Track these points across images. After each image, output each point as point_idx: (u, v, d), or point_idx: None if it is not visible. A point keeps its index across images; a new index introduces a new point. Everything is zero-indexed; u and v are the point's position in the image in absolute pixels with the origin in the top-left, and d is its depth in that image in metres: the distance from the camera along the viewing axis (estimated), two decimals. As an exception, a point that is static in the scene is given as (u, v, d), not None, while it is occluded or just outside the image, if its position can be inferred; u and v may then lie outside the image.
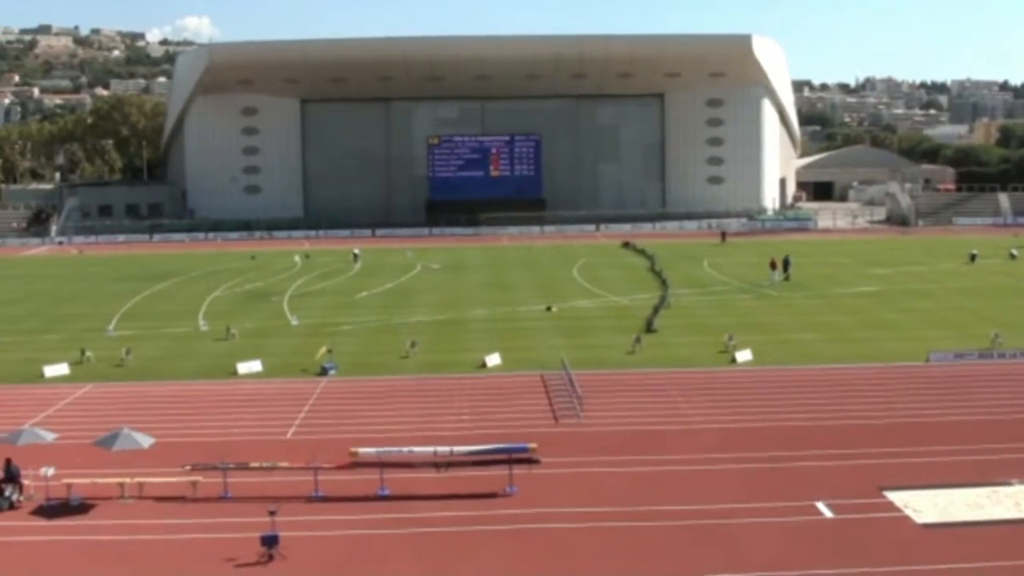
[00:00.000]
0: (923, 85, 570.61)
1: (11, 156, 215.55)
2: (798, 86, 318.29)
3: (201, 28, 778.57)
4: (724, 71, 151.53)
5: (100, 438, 37.59)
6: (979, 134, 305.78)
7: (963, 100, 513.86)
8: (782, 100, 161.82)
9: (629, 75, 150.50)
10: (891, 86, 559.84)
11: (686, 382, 51.62)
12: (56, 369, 56.74)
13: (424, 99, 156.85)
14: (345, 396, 50.60)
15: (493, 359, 56.62)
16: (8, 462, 36.02)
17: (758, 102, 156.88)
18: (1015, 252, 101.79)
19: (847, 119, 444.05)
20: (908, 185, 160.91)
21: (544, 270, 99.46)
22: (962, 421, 43.92)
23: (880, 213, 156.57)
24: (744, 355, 56.30)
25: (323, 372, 55.15)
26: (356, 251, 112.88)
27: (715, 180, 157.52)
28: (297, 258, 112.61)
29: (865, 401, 47.35)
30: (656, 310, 70.27)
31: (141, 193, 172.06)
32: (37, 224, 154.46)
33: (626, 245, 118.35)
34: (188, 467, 36.77)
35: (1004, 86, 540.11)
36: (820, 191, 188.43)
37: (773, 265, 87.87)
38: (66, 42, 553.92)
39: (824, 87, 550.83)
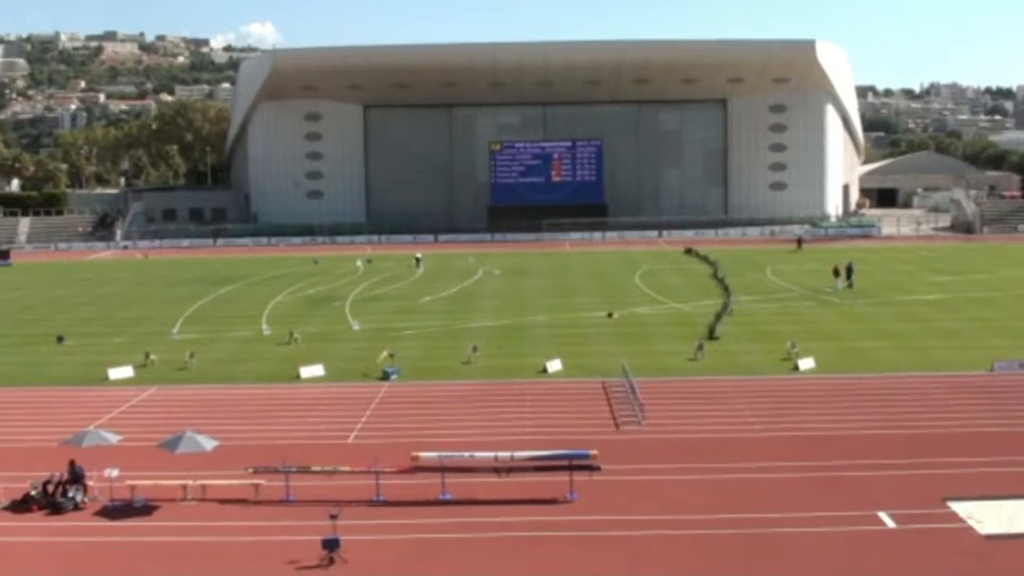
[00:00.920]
0: (988, 91, 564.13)
1: (77, 161, 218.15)
2: (862, 92, 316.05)
3: (265, 34, 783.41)
4: (787, 76, 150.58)
5: (164, 440, 37.90)
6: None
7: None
8: (846, 106, 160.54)
9: (692, 80, 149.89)
10: (956, 91, 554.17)
11: (748, 390, 51.30)
12: (120, 372, 57.29)
13: (486, 105, 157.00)
14: (407, 400, 50.69)
15: (554, 365, 56.54)
16: (72, 463, 36.43)
17: (821, 108, 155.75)
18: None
19: (911, 125, 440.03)
20: (973, 192, 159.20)
21: (606, 276, 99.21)
22: (1028, 431, 43.38)
23: (944, 220, 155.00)
24: (807, 363, 55.86)
25: (385, 376, 55.31)
26: (418, 255, 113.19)
27: (778, 186, 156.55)
28: (359, 263, 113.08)
29: (928, 410, 46.86)
30: (718, 317, 69.90)
31: (205, 198, 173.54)
32: (102, 228, 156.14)
33: (688, 251, 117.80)
34: (250, 470, 36.99)
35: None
36: (884, 198, 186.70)
37: (836, 272, 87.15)
38: (131, 48, 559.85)
39: (888, 93, 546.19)
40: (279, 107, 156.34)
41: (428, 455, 37.13)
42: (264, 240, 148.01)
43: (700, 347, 59.65)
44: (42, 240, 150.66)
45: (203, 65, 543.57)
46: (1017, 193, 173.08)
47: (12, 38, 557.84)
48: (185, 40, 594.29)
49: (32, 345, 68.27)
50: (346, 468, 37.24)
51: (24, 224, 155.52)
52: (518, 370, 56.90)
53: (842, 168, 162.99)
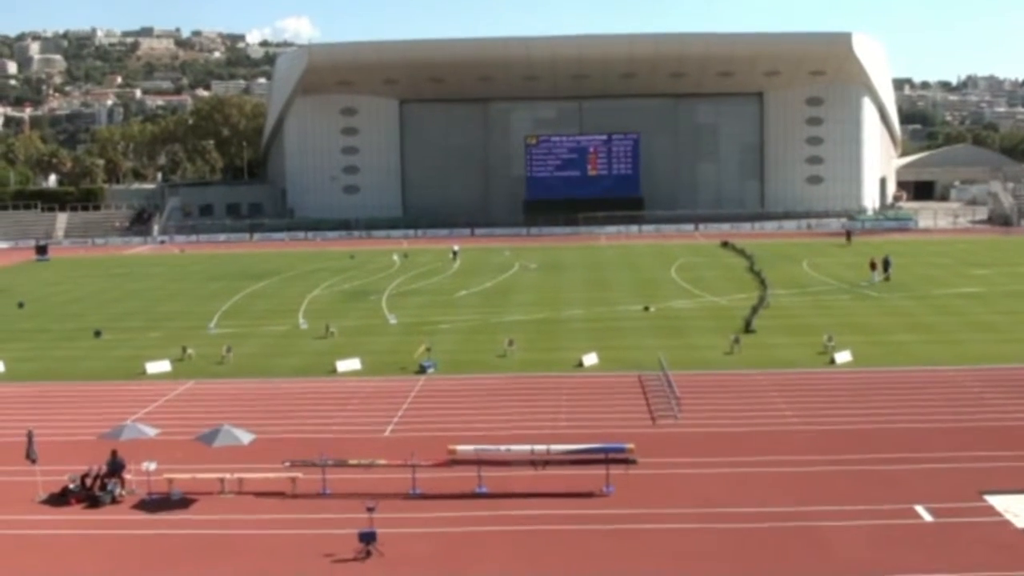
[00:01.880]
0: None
1: (114, 157, 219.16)
2: (898, 84, 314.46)
3: (301, 29, 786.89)
4: (824, 69, 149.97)
5: (201, 434, 38.05)
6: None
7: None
8: (882, 98, 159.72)
9: (728, 74, 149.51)
10: (993, 84, 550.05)
11: (785, 383, 51.10)
12: (158, 366, 57.58)
13: (522, 99, 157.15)
14: (443, 394, 50.74)
15: (590, 359, 56.47)
16: (114, 453, 36.66)
17: (858, 100, 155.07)
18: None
19: (948, 117, 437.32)
20: (1010, 184, 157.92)
21: (642, 270, 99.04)
22: (1068, 425, 43.03)
23: (982, 213, 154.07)
24: (843, 356, 55.58)
25: (422, 370, 55.38)
26: (455, 248, 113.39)
27: (814, 180, 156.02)
28: (396, 257, 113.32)
29: (965, 404, 46.53)
30: (755, 310, 69.67)
31: (241, 193, 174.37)
32: (139, 223, 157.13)
33: (725, 245, 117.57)
34: (287, 464, 37.10)
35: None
36: (921, 191, 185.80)
37: (873, 266, 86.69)
38: (168, 44, 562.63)
39: (925, 85, 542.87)
40: (315, 102, 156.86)
41: (464, 448, 37.15)
42: (300, 235, 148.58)
43: (736, 340, 59.47)
44: (79, 235, 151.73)
45: (239, 60, 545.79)
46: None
47: (49, 34, 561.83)
48: (221, 35, 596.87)
49: (70, 340, 68.72)
50: (383, 462, 37.32)
51: (62, 219, 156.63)
52: (554, 364, 56.87)
53: (879, 161, 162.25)
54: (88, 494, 35.85)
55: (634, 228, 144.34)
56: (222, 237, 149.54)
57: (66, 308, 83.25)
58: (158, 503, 35.45)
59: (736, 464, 38.04)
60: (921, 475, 36.32)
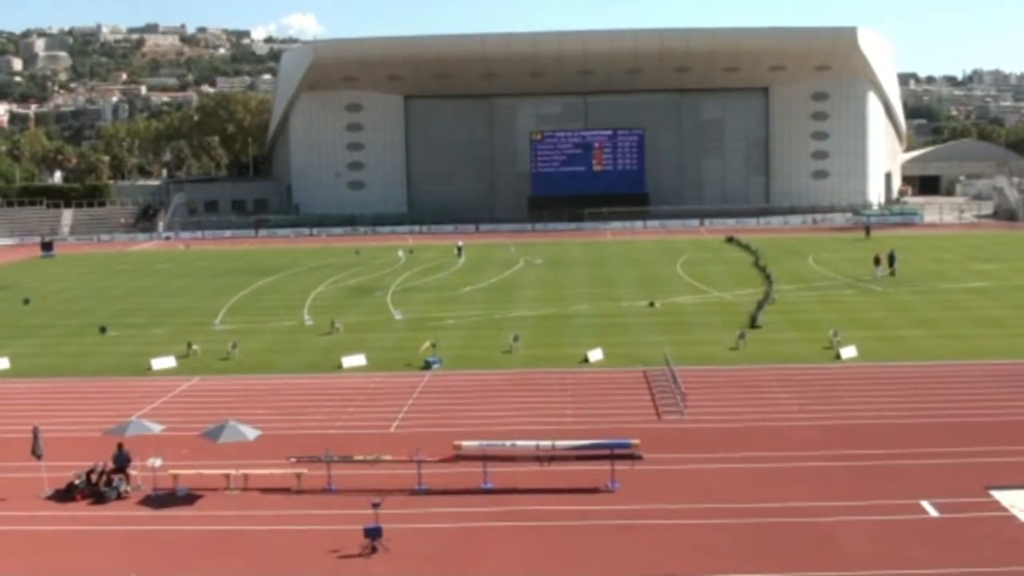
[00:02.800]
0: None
1: (119, 153, 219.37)
2: (904, 79, 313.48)
3: (306, 25, 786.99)
4: (829, 64, 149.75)
5: (206, 430, 38.09)
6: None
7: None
8: (888, 93, 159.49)
9: (733, 69, 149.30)
10: (999, 78, 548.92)
11: (790, 379, 51.10)
12: (163, 362, 57.67)
13: (527, 95, 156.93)
14: (448, 390, 50.76)
15: (595, 354, 56.47)
16: (120, 447, 36.76)
17: (863, 95, 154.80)
18: None
19: (954, 112, 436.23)
20: (1016, 179, 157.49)
21: (647, 265, 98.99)
22: (1074, 420, 42.98)
23: (987, 208, 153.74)
24: (849, 351, 55.55)
25: (427, 366, 55.41)
26: (460, 244, 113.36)
27: (820, 175, 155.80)
28: (401, 253, 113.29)
29: (971, 399, 46.52)
30: (760, 306, 69.62)
31: (246, 189, 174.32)
32: (145, 220, 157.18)
33: (730, 240, 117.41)
34: (293, 459, 37.12)
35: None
36: (926, 186, 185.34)
37: (877, 261, 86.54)
38: (173, 41, 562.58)
39: (930, 80, 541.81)
40: (320, 98, 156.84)
41: (470, 444, 37.15)
42: (306, 231, 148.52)
43: (742, 336, 59.49)
44: (85, 232, 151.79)
45: (244, 57, 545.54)
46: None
47: (54, 31, 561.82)
48: (226, 32, 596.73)
49: (76, 336, 68.81)
50: (388, 457, 37.31)
51: (67, 216, 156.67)
52: (559, 359, 56.88)
53: (884, 156, 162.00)
54: (94, 490, 35.93)
55: (639, 224, 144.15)
56: (227, 233, 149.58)
57: (72, 304, 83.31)
58: (163, 499, 35.52)
59: (742, 460, 38.05)
60: (927, 470, 36.31)
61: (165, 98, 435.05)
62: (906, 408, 45.04)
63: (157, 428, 39.29)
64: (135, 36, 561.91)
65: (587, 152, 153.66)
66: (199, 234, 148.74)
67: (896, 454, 38.18)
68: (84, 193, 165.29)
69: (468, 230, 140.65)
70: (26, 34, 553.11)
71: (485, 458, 36.31)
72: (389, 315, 73.35)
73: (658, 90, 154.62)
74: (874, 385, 49.41)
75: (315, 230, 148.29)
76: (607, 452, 36.19)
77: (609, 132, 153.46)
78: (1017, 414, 43.73)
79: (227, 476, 36.36)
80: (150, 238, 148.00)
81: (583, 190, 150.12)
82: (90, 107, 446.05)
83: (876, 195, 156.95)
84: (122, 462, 36.64)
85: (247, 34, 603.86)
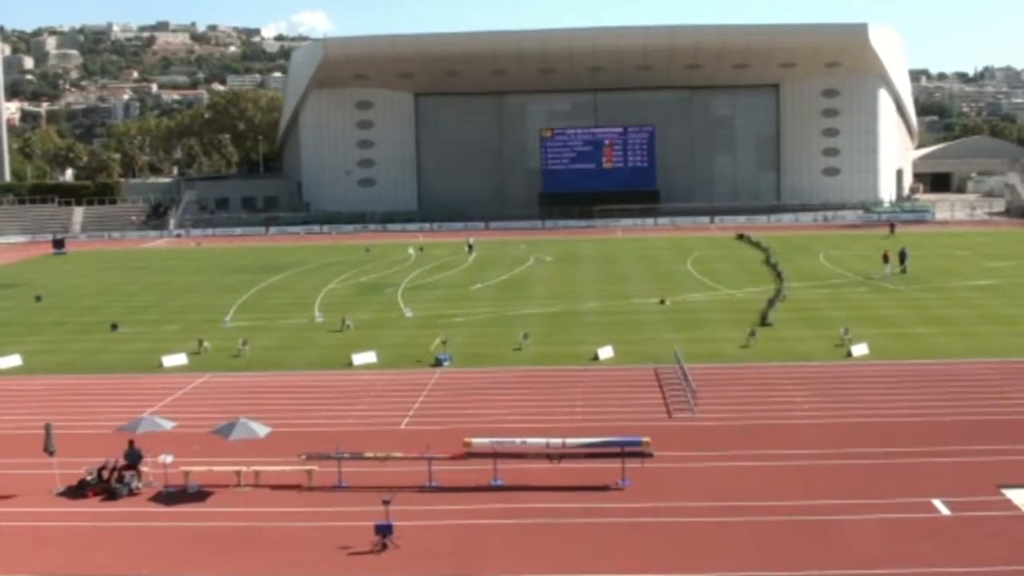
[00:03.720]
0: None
1: (130, 151, 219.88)
2: (915, 75, 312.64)
3: (316, 23, 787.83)
4: (840, 61, 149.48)
5: (217, 427, 38.15)
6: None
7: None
8: (899, 90, 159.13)
9: (744, 65, 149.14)
10: (1010, 75, 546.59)
11: (801, 376, 51.04)
12: (174, 359, 57.76)
13: (537, 92, 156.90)
14: (459, 387, 50.78)
15: (606, 352, 56.46)
16: (131, 444, 36.86)
17: (874, 92, 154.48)
18: None
19: (965, 109, 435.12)
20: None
21: (658, 263, 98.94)
22: (1086, 417, 42.87)
23: (999, 205, 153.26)
24: (860, 349, 55.47)
25: (437, 363, 55.46)
26: (471, 241, 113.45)
27: (830, 172, 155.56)
28: (411, 250, 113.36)
29: (982, 397, 46.44)
30: (771, 303, 69.57)
31: (257, 186, 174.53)
32: (156, 217, 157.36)
33: (740, 237, 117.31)
34: (303, 456, 37.17)
35: None
36: (937, 182, 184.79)
37: (885, 258, 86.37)
38: (183, 39, 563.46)
39: (942, 76, 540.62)
40: (330, 96, 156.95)
41: (480, 441, 37.16)
42: (316, 228, 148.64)
43: (752, 333, 59.43)
44: (96, 229, 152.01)
45: (255, 54, 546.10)
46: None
47: (66, 29, 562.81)
48: (236, 30, 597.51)
49: (87, 333, 68.96)
50: (399, 454, 37.34)
51: (78, 213, 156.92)
52: (569, 357, 56.88)
53: (895, 153, 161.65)
54: (105, 486, 36.01)
55: (649, 221, 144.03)
56: (238, 231, 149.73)
57: (83, 301, 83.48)
58: (175, 496, 35.57)
59: (752, 457, 38.02)
60: (938, 468, 36.24)
61: (176, 96, 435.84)
62: (917, 406, 44.99)
63: (168, 425, 39.36)
64: (146, 34, 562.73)
65: (597, 149, 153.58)
66: (210, 231, 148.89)
67: (907, 452, 38.12)
68: (95, 191, 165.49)
69: (478, 227, 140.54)
70: (37, 32, 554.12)
71: (495, 455, 36.33)
72: (400, 312, 73.40)
73: (668, 87, 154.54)
74: (885, 383, 49.35)
75: (325, 227, 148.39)
76: (618, 450, 36.18)
77: (619, 129, 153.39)
78: (1028, 412, 43.68)
79: (238, 473, 36.42)
80: (161, 236, 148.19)
81: (593, 187, 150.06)
82: (101, 105, 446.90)
83: (887, 192, 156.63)
84: (134, 459, 36.72)
85: (257, 32, 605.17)
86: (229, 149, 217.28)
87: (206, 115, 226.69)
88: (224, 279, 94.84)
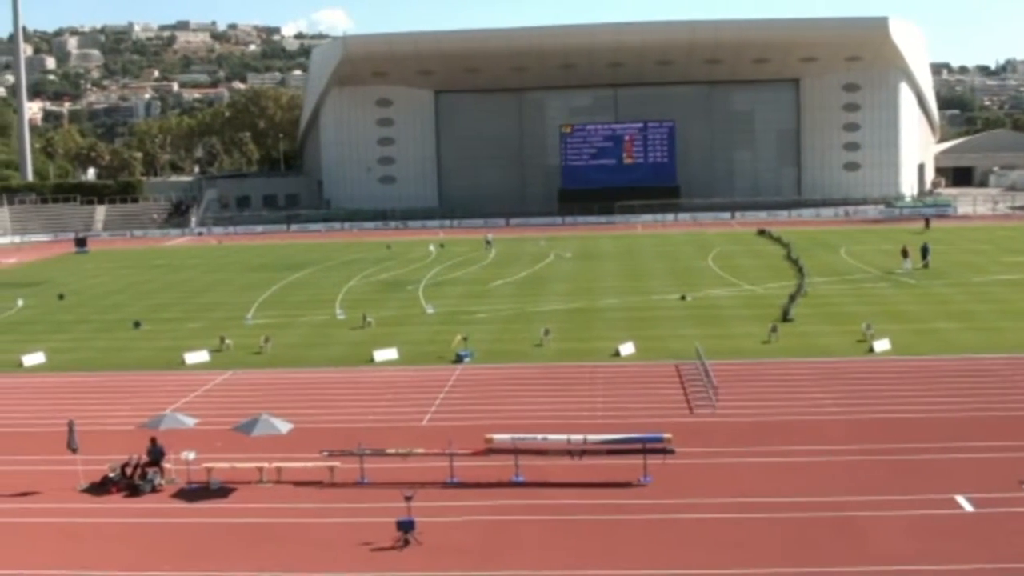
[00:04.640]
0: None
1: (152, 149, 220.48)
2: (936, 69, 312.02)
3: (336, 21, 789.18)
4: (861, 55, 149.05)
5: (239, 424, 38.24)
6: None
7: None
8: (920, 84, 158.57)
9: (764, 60, 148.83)
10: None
11: (823, 372, 50.90)
12: (196, 356, 57.93)
13: (557, 88, 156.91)
14: (480, 383, 50.83)
15: (627, 348, 56.41)
16: (153, 441, 37.00)
17: (895, 86, 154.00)
18: None
19: (987, 102, 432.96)
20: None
21: (678, 259, 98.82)
22: (1110, 412, 42.67)
23: (1022, 199, 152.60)
24: (882, 344, 55.28)
25: (458, 360, 55.51)
26: (490, 238, 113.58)
27: (851, 166, 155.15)
28: (432, 247, 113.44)
29: (1005, 392, 46.20)
30: (792, 299, 69.40)
31: (278, 184, 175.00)
32: (177, 215, 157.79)
33: (761, 233, 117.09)
34: (325, 453, 37.25)
35: None
36: (959, 177, 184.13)
37: (905, 253, 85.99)
38: (204, 37, 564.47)
39: (963, 70, 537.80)
40: (351, 93, 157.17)
41: (501, 437, 37.18)
42: (337, 225, 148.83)
43: (774, 329, 59.25)
44: (118, 227, 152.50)
45: (275, 53, 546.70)
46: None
47: (87, 29, 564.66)
48: (257, 28, 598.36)
49: (110, 330, 69.23)
50: (420, 450, 37.41)
51: (100, 212, 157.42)
52: (590, 353, 56.86)
53: (917, 147, 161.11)
54: (128, 483, 36.18)
55: (670, 216, 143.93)
56: (259, 228, 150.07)
57: (106, 299, 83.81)
58: (197, 492, 35.70)
59: (774, 454, 37.96)
60: (961, 465, 36.11)
61: (197, 95, 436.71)
62: (939, 402, 44.83)
63: (191, 422, 39.49)
64: (166, 33, 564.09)
65: (617, 145, 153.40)
66: (231, 229, 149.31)
67: (929, 448, 38.00)
68: (117, 189, 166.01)
69: (498, 224, 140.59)
70: (59, 33, 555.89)
71: (516, 451, 36.35)
72: (420, 309, 73.46)
73: (688, 82, 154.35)
74: (907, 378, 49.21)
75: (346, 225, 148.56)
76: (639, 446, 36.13)
77: (639, 125, 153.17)
78: (1052, 407, 43.50)
79: (260, 469, 36.54)
80: (182, 234, 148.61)
81: (613, 183, 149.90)
82: (122, 104, 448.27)
83: (909, 187, 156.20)
84: (156, 455, 36.87)
85: (277, 30, 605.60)
86: (250, 147, 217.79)
87: (227, 113, 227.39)
88: (245, 277, 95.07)
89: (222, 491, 35.67)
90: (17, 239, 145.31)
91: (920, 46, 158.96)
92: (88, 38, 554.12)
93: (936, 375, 49.79)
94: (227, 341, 61.28)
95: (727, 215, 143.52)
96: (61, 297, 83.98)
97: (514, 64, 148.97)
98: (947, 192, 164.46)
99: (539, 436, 37.64)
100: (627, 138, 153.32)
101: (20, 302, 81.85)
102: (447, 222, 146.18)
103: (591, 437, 37.26)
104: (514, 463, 36.04)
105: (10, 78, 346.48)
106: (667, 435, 36.61)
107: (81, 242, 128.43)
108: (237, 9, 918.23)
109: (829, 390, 47.24)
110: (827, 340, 58.19)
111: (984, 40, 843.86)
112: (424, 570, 28.88)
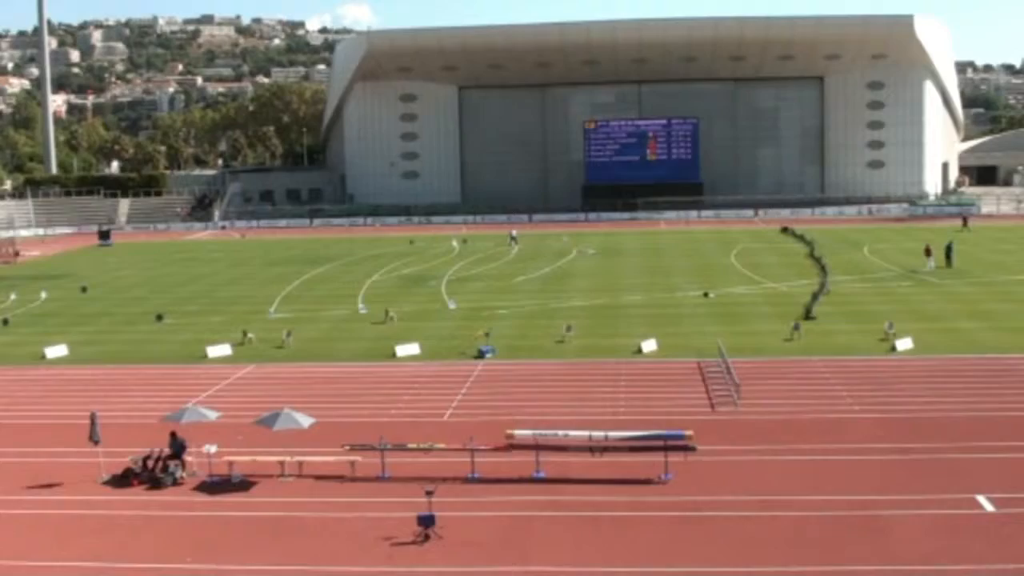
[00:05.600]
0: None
1: (175, 143, 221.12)
2: (961, 67, 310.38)
3: (360, 16, 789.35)
4: (885, 53, 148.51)
5: (261, 417, 38.33)
6: None
7: None
8: (945, 82, 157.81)
9: (788, 57, 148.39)
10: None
11: (845, 370, 50.72)
12: (219, 350, 58.09)
13: (581, 84, 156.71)
14: (501, 379, 50.84)
15: (649, 345, 56.32)
16: (174, 435, 37.10)
17: (920, 84, 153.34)
18: None
19: (1012, 101, 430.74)
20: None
21: (701, 256, 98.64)
22: None
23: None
24: (905, 343, 55.05)
25: (480, 355, 55.51)
26: (514, 234, 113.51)
27: (875, 164, 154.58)
28: (455, 243, 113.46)
29: (1030, 392, 46.05)
30: (815, 297, 69.18)
31: (301, 178, 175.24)
32: (201, 209, 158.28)
33: (785, 230, 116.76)
34: (347, 447, 37.29)
35: None
36: (984, 176, 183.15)
37: (928, 252, 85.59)
38: (228, 32, 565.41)
39: (988, 68, 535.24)
40: (374, 88, 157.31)
41: (522, 433, 37.18)
42: (360, 220, 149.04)
43: (797, 327, 59.09)
44: (142, 221, 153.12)
45: (299, 47, 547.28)
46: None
47: (111, 23, 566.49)
48: (281, 22, 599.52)
49: (133, 324, 69.47)
50: (441, 445, 37.42)
51: (124, 205, 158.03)
52: (612, 349, 56.80)
53: (941, 146, 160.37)
54: (150, 475, 36.30)
55: (693, 213, 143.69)
56: (282, 223, 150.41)
57: (129, 292, 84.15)
58: (219, 485, 35.79)
59: (796, 452, 37.87)
60: (983, 465, 35.95)
61: (221, 88, 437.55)
62: (961, 401, 44.63)
63: (213, 415, 39.54)
64: (191, 27, 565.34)
65: (641, 141, 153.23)
66: (254, 223, 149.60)
67: (951, 448, 37.85)
68: (141, 183, 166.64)
69: (521, 220, 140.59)
70: (83, 26, 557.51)
71: (537, 447, 36.32)
72: (443, 304, 73.51)
73: (712, 79, 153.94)
74: (930, 378, 49.02)
75: (369, 219, 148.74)
76: (660, 443, 36.06)
77: (663, 121, 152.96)
78: (1076, 407, 43.27)
79: (282, 463, 36.60)
80: (206, 227, 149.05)
81: (637, 179, 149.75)
82: (146, 98, 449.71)
83: (933, 185, 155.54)
84: (178, 448, 36.97)
85: (302, 25, 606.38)
86: (273, 141, 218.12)
87: (251, 108, 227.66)
88: (268, 271, 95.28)
89: (243, 484, 35.75)
90: (41, 231, 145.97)
91: (945, 44, 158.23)
92: (112, 31, 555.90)
93: (959, 374, 49.58)
94: (250, 335, 61.42)
95: (750, 212, 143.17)
96: (84, 290, 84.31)
97: (538, 60, 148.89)
98: (971, 191, 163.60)
99: (560, 432, 37.62)
100: (651, 134, 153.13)
101: (43, 294, 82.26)
102: (470, 217, 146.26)
103: (612, 434, 37.22)
104: (535, 459, 36.02)
105: (35, 71, 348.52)
106: (689, 432, 36.55)
107: (105, 235, 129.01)
108: (261, 3, 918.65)
109: (851, 388, 47.06)
110: (850, 338, 57.99)
111: (1009, 38, 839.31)
112: (444, 565, 28.91)
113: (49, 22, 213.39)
